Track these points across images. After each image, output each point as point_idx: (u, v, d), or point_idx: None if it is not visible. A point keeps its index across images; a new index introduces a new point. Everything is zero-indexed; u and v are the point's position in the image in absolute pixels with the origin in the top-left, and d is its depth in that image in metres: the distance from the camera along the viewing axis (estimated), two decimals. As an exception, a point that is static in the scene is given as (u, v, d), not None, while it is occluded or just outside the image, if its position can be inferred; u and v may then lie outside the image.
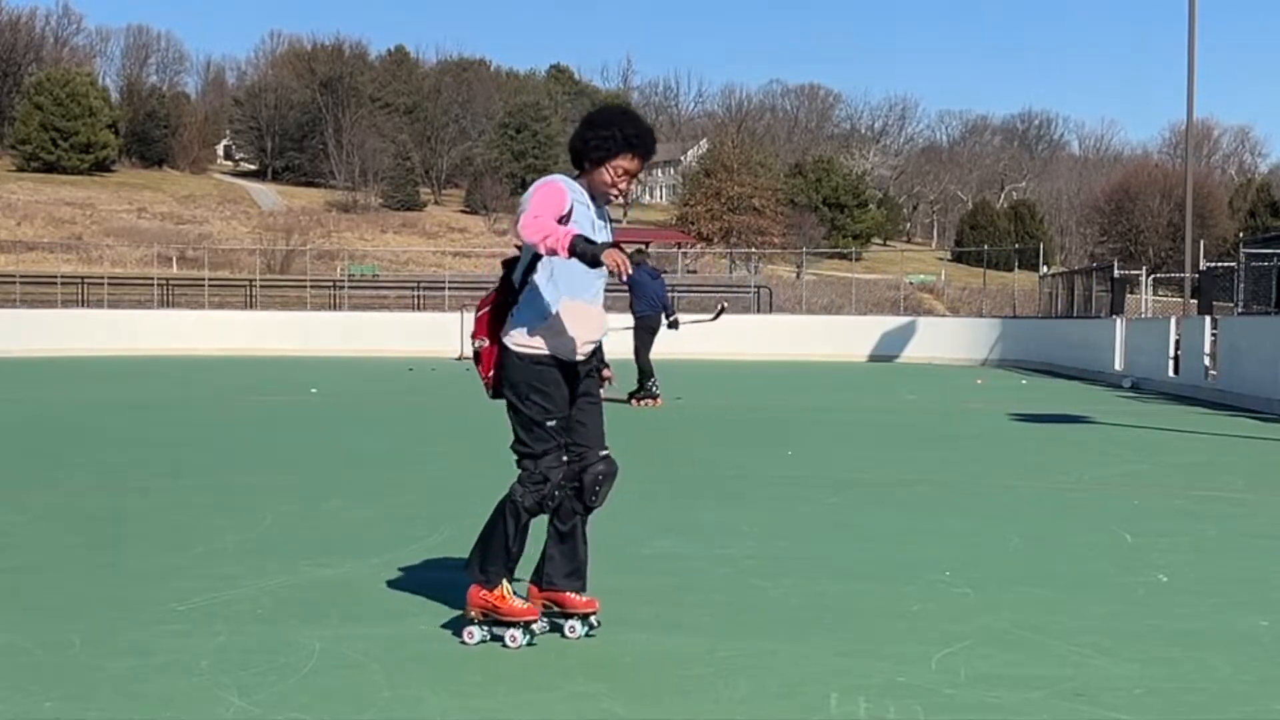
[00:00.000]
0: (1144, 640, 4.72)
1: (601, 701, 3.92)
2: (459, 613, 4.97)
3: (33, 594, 5.36)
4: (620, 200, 4.79)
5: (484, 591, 4.57)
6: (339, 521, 7.25)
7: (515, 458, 4.60)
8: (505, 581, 4.59)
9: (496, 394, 4.70)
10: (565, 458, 4.58)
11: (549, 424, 4.54)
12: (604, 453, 4.68)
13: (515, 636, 4.52)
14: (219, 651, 4.42)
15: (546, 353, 4.54)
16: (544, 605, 4.68)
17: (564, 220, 4.42)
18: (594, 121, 4.61)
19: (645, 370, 16.31)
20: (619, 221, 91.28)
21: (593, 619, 4.70)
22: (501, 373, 4.63)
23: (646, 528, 7.03)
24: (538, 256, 4.48)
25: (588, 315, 4.59)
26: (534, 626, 4.58)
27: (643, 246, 17.36)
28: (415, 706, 3.86)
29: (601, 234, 4.60)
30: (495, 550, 4.56)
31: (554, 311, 4.52)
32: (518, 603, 4.59)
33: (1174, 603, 5.38)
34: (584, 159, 4.60)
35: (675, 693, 4.02)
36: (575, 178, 4.67)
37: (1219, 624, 5.02)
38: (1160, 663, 4.43)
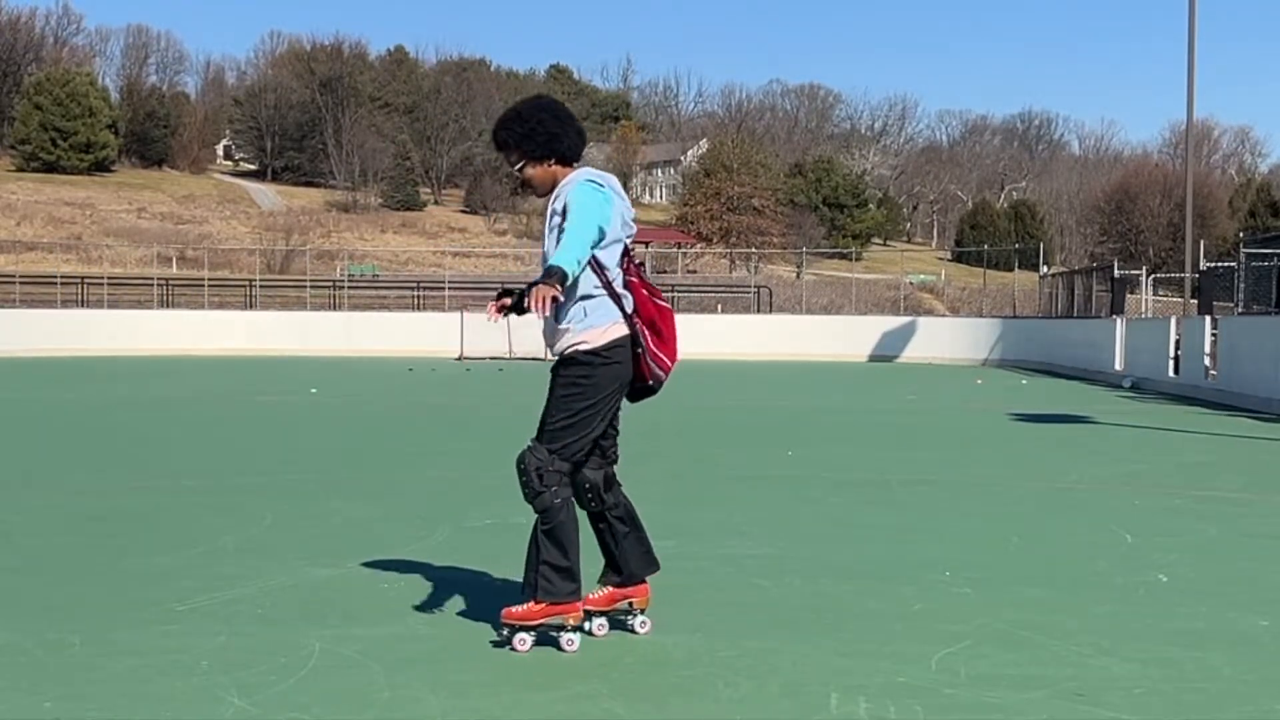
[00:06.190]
0: (1144, 640, 4.72)
1: (602, 701, 3.92)
2: (457, 613, 4.97)
3: (33, 594, 5.35)
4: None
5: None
6: (339, 521, 7.25)
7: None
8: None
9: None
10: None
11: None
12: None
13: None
14: (219, 651, 4.42)
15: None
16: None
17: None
18: (569, 116, 4.55)
19: None
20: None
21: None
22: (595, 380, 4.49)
23: (648, 528, 7.02)
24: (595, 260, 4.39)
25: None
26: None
27: None
28: (415, 706, 3.86)
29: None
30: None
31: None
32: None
33: (1174, 603, 5.38)
34: (575, 156, 4.53)
35: (675, 693, 4.02)
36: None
37: (1219, 624, 5.01)
38: (1160, 663, 4.42)
